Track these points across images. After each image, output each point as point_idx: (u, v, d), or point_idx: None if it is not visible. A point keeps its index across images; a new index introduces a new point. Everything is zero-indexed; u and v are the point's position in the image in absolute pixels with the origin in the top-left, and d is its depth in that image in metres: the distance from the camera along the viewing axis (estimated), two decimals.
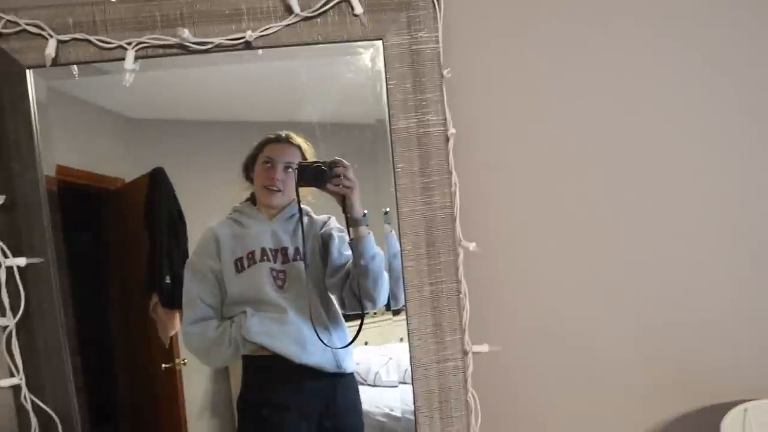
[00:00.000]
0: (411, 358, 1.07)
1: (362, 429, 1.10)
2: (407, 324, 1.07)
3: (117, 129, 1.08)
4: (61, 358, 1.03)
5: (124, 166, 1.08)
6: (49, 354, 1.03)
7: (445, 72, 1.04)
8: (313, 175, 1.03)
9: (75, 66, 1.01)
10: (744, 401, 1.12)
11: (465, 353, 1.09)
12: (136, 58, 1.00)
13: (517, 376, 1.18)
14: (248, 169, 1.10)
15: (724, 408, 1.12)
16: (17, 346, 1.01)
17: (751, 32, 1.16)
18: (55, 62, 0.99)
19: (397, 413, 1.10)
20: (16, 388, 1.02)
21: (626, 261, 1.17)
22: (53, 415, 1.02)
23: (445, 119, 1.04)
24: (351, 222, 1.05)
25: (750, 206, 1.18)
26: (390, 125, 1.04)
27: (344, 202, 1.05)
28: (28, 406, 1.02)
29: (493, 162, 1.13)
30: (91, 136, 1.09)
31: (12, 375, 1.02)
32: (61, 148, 1.04)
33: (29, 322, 1.02)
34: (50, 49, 0.97)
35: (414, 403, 1.07)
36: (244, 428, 1.09)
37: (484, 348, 1.12)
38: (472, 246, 1.07)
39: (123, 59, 0.99)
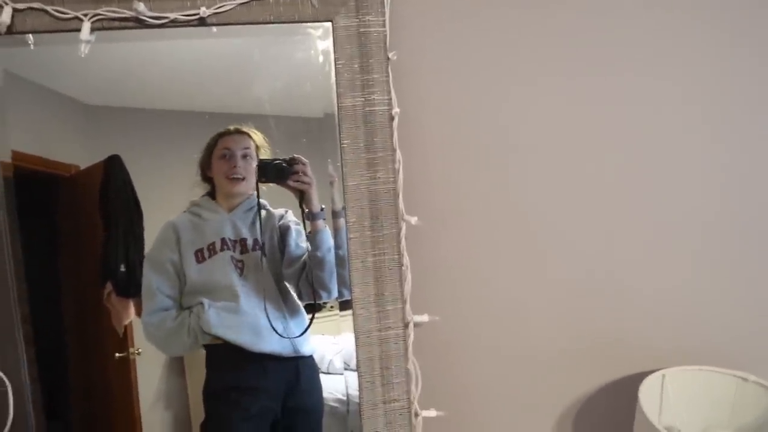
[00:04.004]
0: (354, 325, 1.11)
1: (322, 407, 1.15)
2: (351, 293, 1.10)
3: (73, 115, 1.08)
4: (13, 333, 1.04)
5: (79, 153, 1.08)
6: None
7: (390, 54, 1.08)
8: (275, 172, 1.08)
9: (31, 36, 1.02)
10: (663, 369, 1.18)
11: (406, 323, 1.13)
12: (92, 29, 1.02)
13: (456, 345, 1.23)
14: (204, 168, 1.12)
15: (645, 375, 1.17)
16: None
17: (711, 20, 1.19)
18: (10, 30, 1.00)
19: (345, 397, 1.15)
20: None
21: (559, 235, 1.21)
22: (3, 378, 1.03)
23: (390, 99, 1.08)
24: (309, 216, 1.10)
25: (673, 179, 1.21)
26: (337, 103, 1.08)
27: (302, 197, 1.10)
28: None
29: (436, 140, 1.17)
30: (47, 122, 1.09)
31: None
32: (17, 133, 1.04)
33: None
34: (5, 16, 0.99)
35: (357, 368, 1.12)
36: (214, 415, 1.10)
37: (424, 318, 1.17)
38: (413, 220, 1.12)
39: (79, 30, 1.01)
